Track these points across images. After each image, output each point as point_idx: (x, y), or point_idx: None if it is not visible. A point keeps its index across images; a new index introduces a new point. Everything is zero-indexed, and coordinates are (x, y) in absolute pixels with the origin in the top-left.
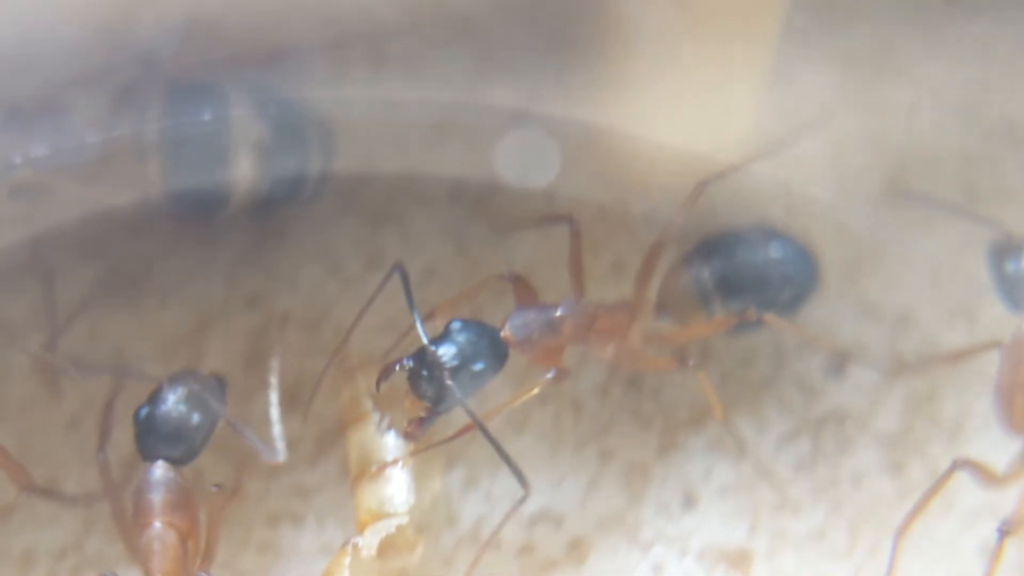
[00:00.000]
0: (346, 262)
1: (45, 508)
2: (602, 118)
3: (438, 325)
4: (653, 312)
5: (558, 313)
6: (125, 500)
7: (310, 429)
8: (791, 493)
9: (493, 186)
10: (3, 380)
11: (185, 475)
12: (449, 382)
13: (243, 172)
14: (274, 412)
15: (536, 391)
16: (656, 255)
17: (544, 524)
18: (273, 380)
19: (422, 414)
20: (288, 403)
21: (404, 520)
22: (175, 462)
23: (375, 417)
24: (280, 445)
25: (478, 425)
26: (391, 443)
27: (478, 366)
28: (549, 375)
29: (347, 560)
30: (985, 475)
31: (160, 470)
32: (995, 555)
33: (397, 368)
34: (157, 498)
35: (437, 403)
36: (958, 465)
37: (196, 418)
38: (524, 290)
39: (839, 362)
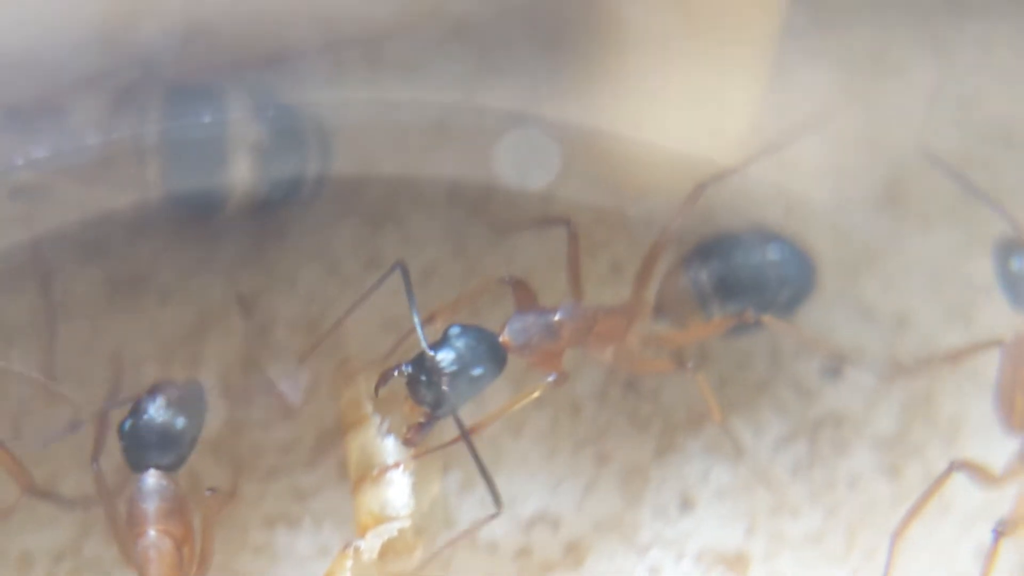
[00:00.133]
0: (345, 263)
1: (43, 510)
2: (600, 120)
3: (438, 328)
4: (651, 314)
5: (557, 317)
6: (120, 507)
7: (308, 431)
8: (788, 496)
9: (492, 187)
10: (2, 381)
11: (178, 481)
12: (446, 388)
13: (241, 174)
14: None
15: (537, 394)
16: (654, 257)
17: (541, 526)
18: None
19: (421, 419)
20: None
21: (406, 524)
22: (165, 469)
23: (376, 420)
24: (299, 389)
25: (464, 437)
26: (392, 446)
27: (477, 371)
28: (550, 378)
29: (349, 563)
30: (983, 475)
31: (152, 478)
32: (990, 557)
33: (396, 373)
34: (151, 506)
35: (436, 409)
36: (955, 466)
37: (180, 423)
38: (524, 293)
39: (836, 364)
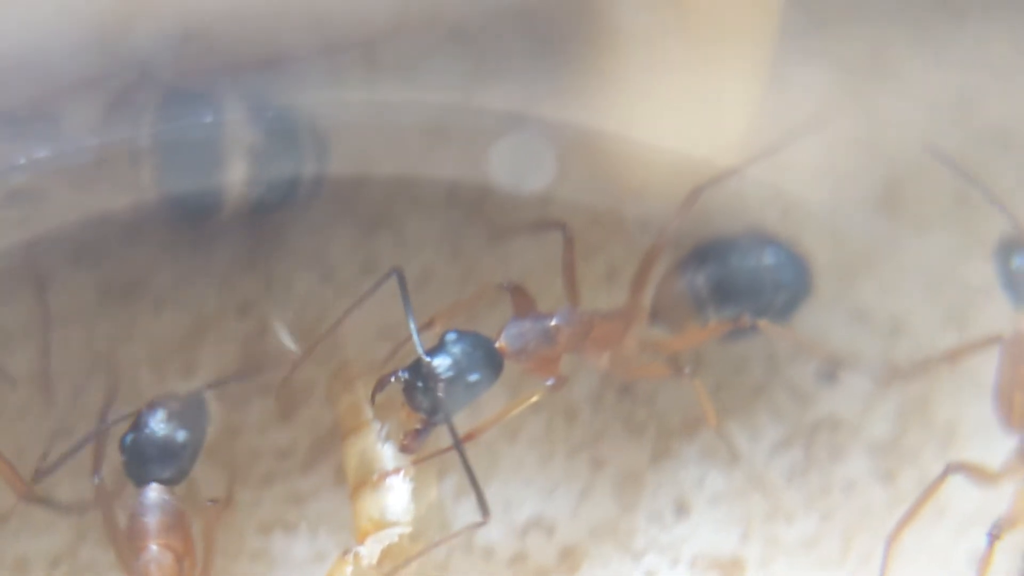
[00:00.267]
0: (341, 268)
1: (39, 516)
2: (596, 121)
3: (437, 333)
4: (647, 319)
5: (553, 322)
6: (120, 517)
7: (303, 436)
8: (784, 501)
9: (488, 190)
10: None
11: (177, 493)
12: (443, 394)
13: (237, 178)
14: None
15: (536, 399)
16: (650, 262)
17: (536, 532)
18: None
19: (418, 426)
20: (280, 410)
21: (407, 529)
22: (167, 483)
23: (376, 426)
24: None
25: (456, 445)
26: (392, 452)
27: (473, 377)
28: (549, 383)
29: (349, 569)
30: (980, 474)
31: (154, 492)
32: (985, 561)
33: (393, 380)
34: (152, 521)
35: (432, 415)
36: (951, 469)
37: (182, 436)
38: (522, 299)
39: (832, 368)
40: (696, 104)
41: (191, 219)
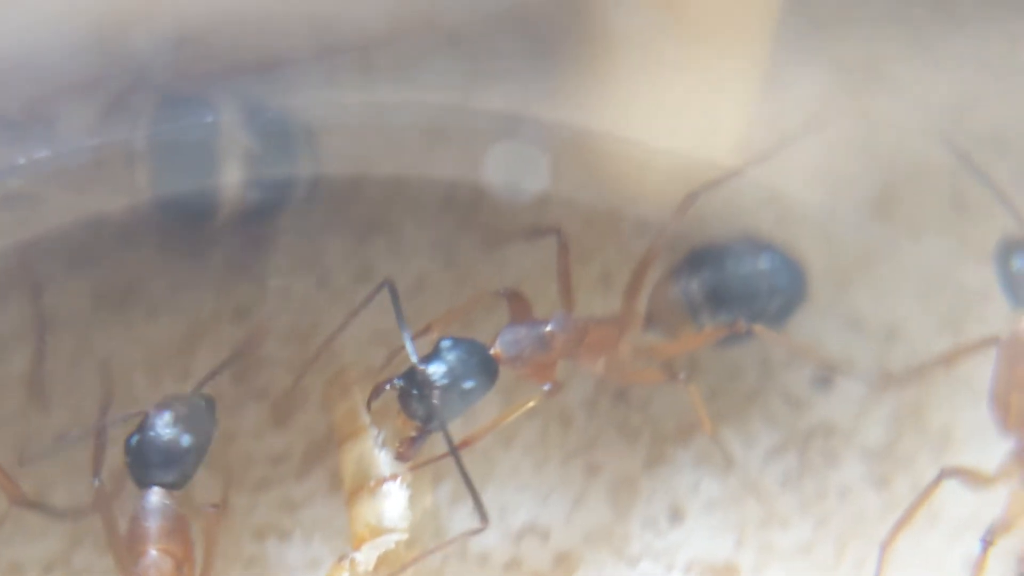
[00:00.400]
0: (335, 274)
1: (33, 521)
2: (592, 123)
3: (434, 340)
4: (642, 325)
5: (548, 328)
6: (118, 519)
7: (298, 442)
8: (778, 506)
9: (483, 195)
10: None
11: (178, 498)
12: (438, 402)
13: (233, 182)
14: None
15: (532, 404)
16: (645, 267)
17: (531, 538)
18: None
19: (414, 433)
20: (276, 417)
21: (404, 536)
22: (169, 487)
23: (373, 432)
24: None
25: (452, 452)
26: (388, 458)
27: (468, 384)
28: (545, 387)
29: (345, 575)
30: (974, 478)
31: (155, 497)
32: (979, 567)
33: (388, 387)
34: (152, 525)
35: (427, 422)
36: (946, 474)
37: (186, 441)
38: (519, 305)
39: (827, 374)
40: (692, 106)
41: (187, 223)
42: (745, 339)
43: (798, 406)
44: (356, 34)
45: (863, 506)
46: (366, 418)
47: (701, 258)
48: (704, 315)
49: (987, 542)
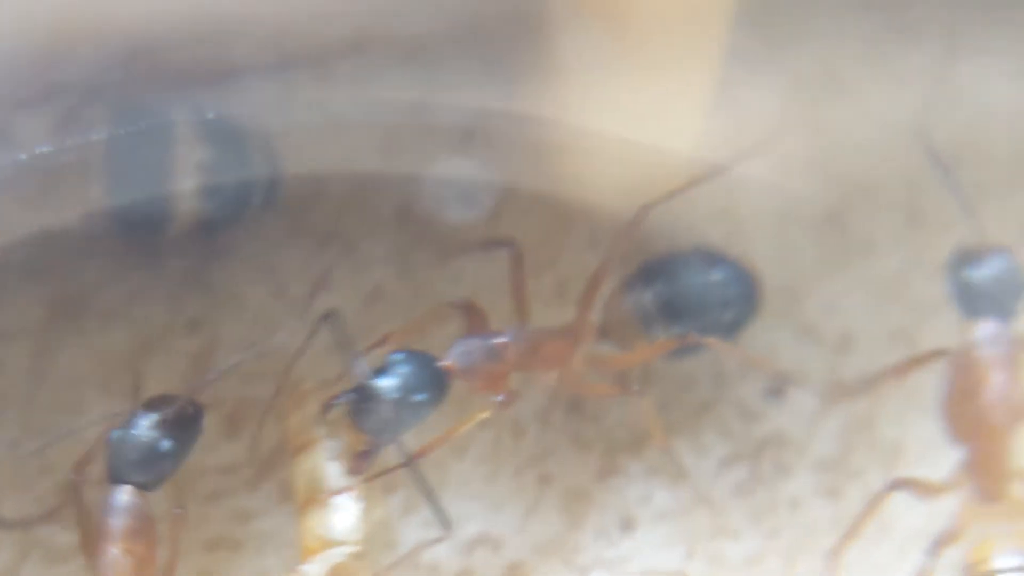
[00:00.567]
0: (291, 285)
1: None
2: (546, 137)
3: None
4: (596, 337)
5: (501, 340)
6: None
7: (251, 454)
8: (729, 518)
9: (440, 205)
10: None
11: (148, 499)
12: (388, 415)
13: (187, 192)
14: None
15: (486, 415)
16: (598, 280)
17: (483, 548)
18: None
19: (364, 447)
20: (229, 428)
21: (356, 548)
22: (141, 487)
23: (324, 444)
24: None
25: (408, 464)
26: (340, 470)
27: (419, 397)
28: (499, 398)
29: None
30: (924, 489)
31: (125, 495)
32: None
33: (338, 402)
34: (118, 523)
35: (379, 436)
36: (894, 484)
37: (166, 445)
38: (475, 317)
39: (779, 386)
40: (644, 124)
41: (141, 234)
42: (698, 351)
43: (750, 418)
44: (313, 45)
45: (814, 518)
46: (320, 430)
47: (654, 270)
48: (657, 327)
49: (932, 554)
